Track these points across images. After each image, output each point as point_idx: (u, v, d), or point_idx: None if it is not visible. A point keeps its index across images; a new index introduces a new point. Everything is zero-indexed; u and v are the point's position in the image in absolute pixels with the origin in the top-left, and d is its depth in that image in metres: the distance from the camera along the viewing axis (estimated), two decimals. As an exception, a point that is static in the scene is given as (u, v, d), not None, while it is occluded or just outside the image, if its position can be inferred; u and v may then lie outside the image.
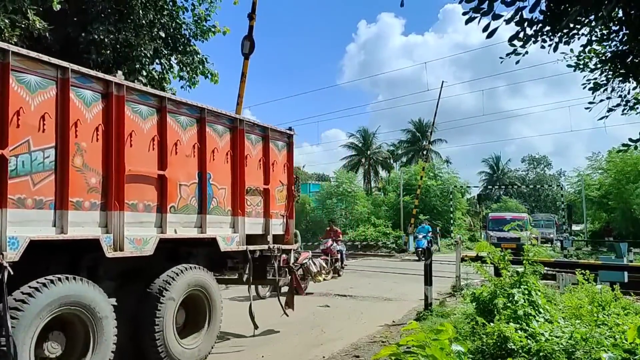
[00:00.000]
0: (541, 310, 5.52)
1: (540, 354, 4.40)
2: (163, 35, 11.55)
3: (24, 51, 4.48)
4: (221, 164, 6.66)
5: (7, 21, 8.60)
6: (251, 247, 7.05)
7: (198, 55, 12.70)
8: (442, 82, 32.11)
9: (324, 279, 13.83)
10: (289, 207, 8.17)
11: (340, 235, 17.56)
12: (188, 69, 12.58)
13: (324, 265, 13.08)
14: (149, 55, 11.03)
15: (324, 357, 6.49)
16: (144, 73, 10.99)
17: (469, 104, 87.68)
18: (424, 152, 43.79)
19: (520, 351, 4.53)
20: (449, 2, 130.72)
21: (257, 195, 7.40)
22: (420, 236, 23.71)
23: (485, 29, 3.56)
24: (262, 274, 7.77)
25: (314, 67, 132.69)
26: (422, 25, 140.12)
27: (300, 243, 12.79)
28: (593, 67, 5.42)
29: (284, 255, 11.32)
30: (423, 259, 20.71)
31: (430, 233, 24.71)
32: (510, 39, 3.81)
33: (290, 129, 8.32)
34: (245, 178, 6.98)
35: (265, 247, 7.44)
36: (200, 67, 12.79)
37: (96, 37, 9.97)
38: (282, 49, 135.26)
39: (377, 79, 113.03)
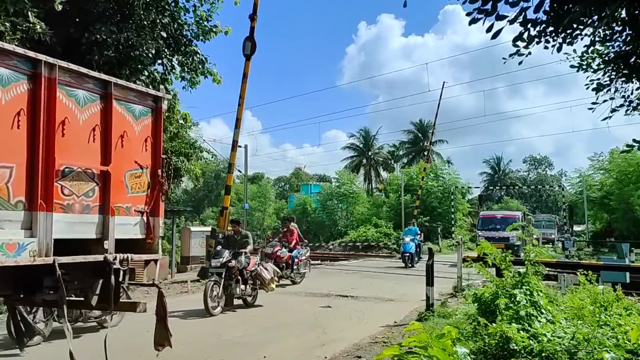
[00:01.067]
0: (543, 310, 5.52)
1: (543, 354, 4.40)
2: (165, 35, 11.57)
3: None
4: (4, 128, 4.40)
5: (8, 24, 8.61)
6: (64, 259, 4.77)
7: (198, 56, 12.73)
8: (444, 82, 32.20)
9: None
10: (152, 200, 5.77)
11: (296, 237, 14.75)
12: (188, 69, 12.60)
13: (277, 270, 11.26)
14: (150, 55, 11.04)
15: (325, 357, 6.49)
16: (146, 73, 11.01)
17: (468, 105, 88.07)
18: (425, 153, 43.83)
19: (522, 352, 4.52)
20: (449, 3, 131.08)
21: (87, 180, 5.15)
22: (407, 239, 19.95)
23: (489, 30, 3.56)
24: (108, 295, 5.41)
25: (315, 68, 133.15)
26: (422, 26, 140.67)
27: (253, 246, 10.73)
28: (596, 67, 5.41)
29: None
30: (410, 265, 19.01)
31: (419, 235, 21.22)
32: (514, 40, 3.81)
33: (158, 89, 6.33)
34: (56, 152, 4.73)
35: (100, 257, 5.13)
36: (200, 67, 12.81)
37: (98, 37, 9.98)
38: (283, 50, 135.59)
39: (377, 80, 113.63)
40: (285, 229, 15.13)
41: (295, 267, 13.93)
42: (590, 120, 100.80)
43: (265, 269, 10.51)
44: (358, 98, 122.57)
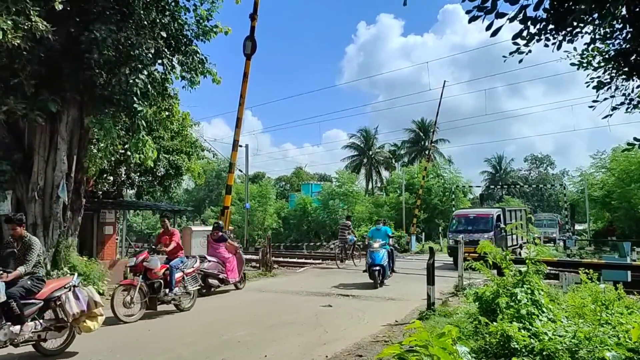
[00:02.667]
0: (544, 309, 5.51)
1: (544, 353, 4.39)
2: (165, 35, 11.57)
3: None
4: None
5: (9, 23, 8.61)
6: None
7: (198, 55, 12.73)
8: (445, 81, 32.25)
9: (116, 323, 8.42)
10: None
11: (178, 240, 10.30)
12: (187, 68, 12.60)
13: (98, 299, 6.92)
14: (150, 55, 11.03)
15: (326, 356, 6.49)
16: (146, 73, 10.97)
17: (468, 105, 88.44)
18: (427, 152, 43.85)
19: (523, 350, 4.52)
20: (449, 2, 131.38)
21: None
22: (377, 245, 13.46)
23: (488, 28, 3.55)
24: None
25: (314, 68, 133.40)
26: (422, 26, 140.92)
27: (36, 259, 6.59)
28: (596, 65, 5.40)
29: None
30: (379, 282, 13.13)
31: (391, 238, 14.71)
32: (514, 38, 3.79)
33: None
34: None
35: None
36: (200, 66, 12.81)
37: (98, 35, 9.98)
38: (283, 50, 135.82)
39: (376, 80, 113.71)
40: (162, 230, 10.63)
41: (176, 285, 9.77)
42: (590, 119, 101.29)
43: (76, 297, 6.71)
44: (358, 97, 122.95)
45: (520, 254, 17.25)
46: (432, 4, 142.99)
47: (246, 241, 34.59)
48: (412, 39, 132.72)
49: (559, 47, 4.13)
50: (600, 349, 4.11)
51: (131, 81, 10.57)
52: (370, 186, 57.54)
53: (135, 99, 10.78)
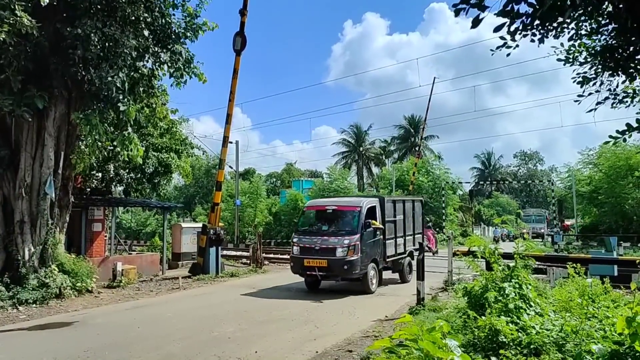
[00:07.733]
0: (532, 303, 5.57)
1: (531, 346, 4.45)
2: (147, 33, 11.38)
3: None
4: None
5: (-7, 17, 8.47)
6: None
7: (184, 54, 12.53)
8: (434, 77, 32.40)
9: None
10: None
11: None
12: (173, 69, 12.43)
13: None
14: (134, 53, 10.83)
15: (317, 351, 6.50)
16: (126, 71, 10.69)
17: (453, 102, 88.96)
18: (417, 148, 43.98)
19: (511, 344, 4.57)
20: (435, 0, 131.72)
21: None
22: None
23: (474, 20, 3.56)
24: None
25: (302, 65, 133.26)
26: (407, 25, 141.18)
27: None
28: (582, 60, 5.46)
29: None
30: None
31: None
32: (497, 29, 3.78)
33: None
34: None
35: None
36: (187, 67, 12.65)
37: (81, 32, 9.84)
38: (270, 47, 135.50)
39: (362, 78, 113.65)
40: None
41: None
42: (573, 117, 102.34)
43: None
44: (345, 95, 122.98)
45: (409, 265, 13.92)
46: (418, 2, 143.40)
47: (236, 238, 34.44)
48: (397, 38, 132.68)
49: (541, 41, 4.16)
50: (587, 342, 4.17)
51: (116, 78, 10.40)
52: (361, 182, 57.64)
53: (120, 95, 10.63)
